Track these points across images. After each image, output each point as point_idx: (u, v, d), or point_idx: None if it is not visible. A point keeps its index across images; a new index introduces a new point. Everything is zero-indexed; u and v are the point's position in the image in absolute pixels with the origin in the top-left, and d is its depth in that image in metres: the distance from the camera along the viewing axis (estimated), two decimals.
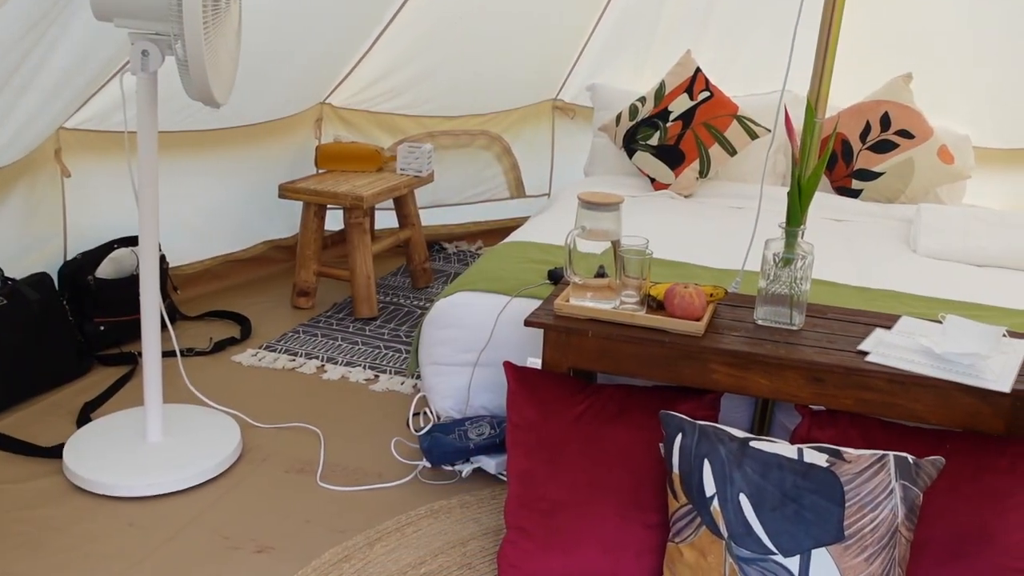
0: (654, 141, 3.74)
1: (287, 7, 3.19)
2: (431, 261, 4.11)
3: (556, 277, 2.57)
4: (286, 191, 3.50)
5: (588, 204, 2.04)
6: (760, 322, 2.10)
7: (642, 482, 1.95)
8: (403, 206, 3.82)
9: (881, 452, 1.74)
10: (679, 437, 1.83)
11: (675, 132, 3.72)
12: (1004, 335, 2.00)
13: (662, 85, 3.83)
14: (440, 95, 4.17)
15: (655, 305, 2.10)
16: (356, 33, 3.76)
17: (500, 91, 4.32)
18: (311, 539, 2.12)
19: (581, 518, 1.93)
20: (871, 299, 2.55)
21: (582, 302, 2.09)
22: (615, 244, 2.06)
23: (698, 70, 3.77)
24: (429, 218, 4.24)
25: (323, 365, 3.08)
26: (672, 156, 3.71)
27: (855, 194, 3.63)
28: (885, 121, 3.62)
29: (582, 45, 4.34)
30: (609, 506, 1.94)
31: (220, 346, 3.16)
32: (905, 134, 3.58)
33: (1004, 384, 1.83)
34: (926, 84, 3.66)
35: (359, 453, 2.52)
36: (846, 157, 3.65)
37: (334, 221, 3.83)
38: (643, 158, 3.77)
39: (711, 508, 1.76)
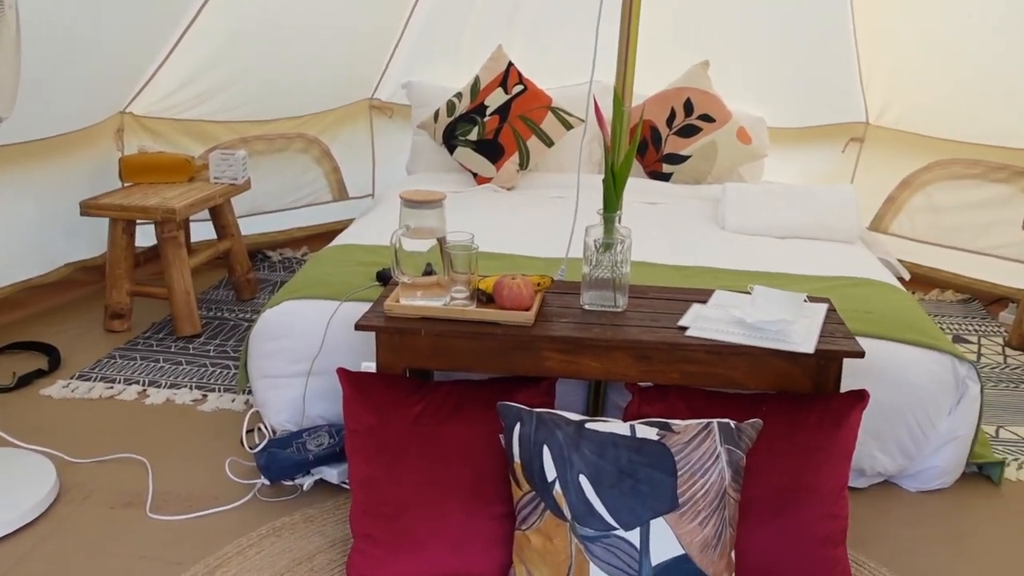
0: (473, 136, 3.78)
1: (66, 9, 2.96)
2: (255, 271, 3.97)
3: (385, 278, 2.55)
4: (89, 208, 3.28)
5: (411, 203, 2.03)
6: (587, 307, 2.17)
7: (484, 475, 1.96)
8: (220, 216, 3.66)
9: (706, 420, 1.84)
10: (517, 426, 1.86)
11: (493, 126, 3.77)
12: (805, 300, 2.16)
13: (477, 80, 3.86)
14: (252, 99, 4.02)
15: (485, 299, 2.12)
16: (151, 36, 3.56)
17: (314, 92, 4.22)
18: None
19: (427, 518, 1.93)
20: (687, 276, 2.69)
21: (412, 301, 2.08)
22: (441, 241, 2.06)
23: (510, 64, 3.84)
24: (249, 227, 4.09)
25: (145, 390, 2.91)
26: (492, 150, 3.75)
27: (666, 177, 3.81)
28: (688, 107, 3.81)
29: (394, 43, 4.31)
30: (454, 503, 1.94)
31: (25, 380, 2.92)
32: (707, 118, 3.79)
33: (808, 346, 1.97)
34: (722, 70, 3.89)
35: (191, 478, 2.39)
36: (655, 143, 3.82)
37: (145, 237, 3.61)
38: (464, 153, 3.80)
39: (553, 492, 1.80)
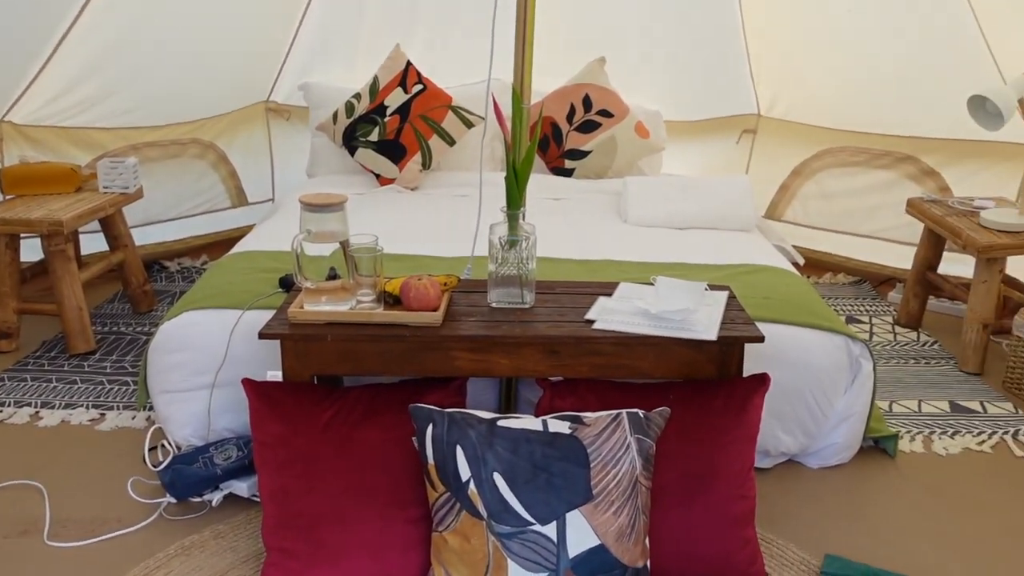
0: (374, 137, 3.74)
1: None
2: (152, 282, 3.83)
3: (288, 284, 2.49)
4: None
5: (311, 206, 1.99)
6: (494, 304, 2.17)
7: (399, 479, 1.95)
8: (112, 227, 3.52)
9: (615, 411, 1.87)
10: (430, 428, 1.85)
11: (394, 126, 3.73)
12: (706, 289, 2.21)
13: (375, 80, 3.82)
14: (141, 104, 3.88)
15: (392, 301, 2.10)
16: (28, 40, 3.39)
17: (207, 96, 4.10)
18: None
19: (343, 527, 1.90)
20: (593, 270, 2.72)
21: (317, 307, 2.05)
22: (344, 244, 2.03)
23: (409, 63, 3.81)
24: (144, 237, 3.95)
25: (37, 412, 2.77)
26: (393, 150, 3.72)
27: (569, 173, 3.85)
28: (587, 103, 3.86)
29: (289, 43, 4.22)
30: (370, 509, 1.92)
31: None
32: (605, 113, 3.85)
33: (711, 333, 2.03)
34: (618, 66, 3.96)
35: (93, 502, 2.30)
36: (556, 139, 3.85)
37: (31, 251, 3.44)
38: (365, 155, 3.76)
39: (468, 492, 1.80)
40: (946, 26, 3.52)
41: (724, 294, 2.26)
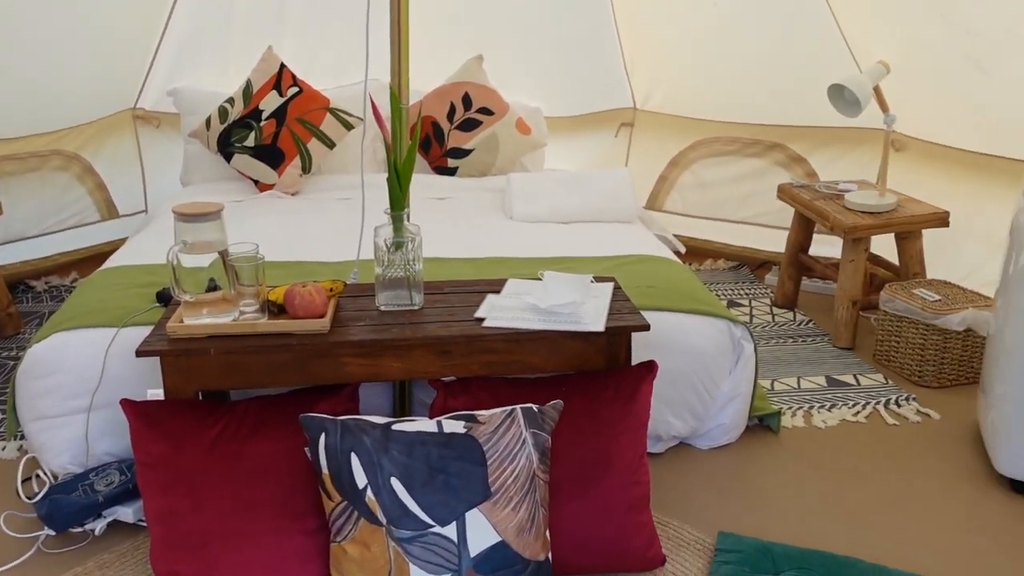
0: (250, 142, 3.63)
1: None
2: (17, 303, 3.62)
3: (166, 298, 2.40)
4: None
5: (185, 216, 1.92)
6: (383, 308, 2.14)
7: (293, 491, 1.90)
8: None
9: (509, 407, 1.88)
10: (323, 437, 1.81)
11: (270, 131, 3.64)
12: (592, 281, 2.25)
13: (249, 84, 3.72)
14: None
15: (276, 310, 2.05)
16: None
17: (67, 104, 3.89)
18: None
19: (236, 544, 1.84)
20: (480, 268, 2.72)
21: (198, 320, 1.97)
22: (223, 254, 1.96)
23: (283, 66, 3.72)
24: (6, 255, 3.72)
25: None
26: (271, 155, 3.63)
27: (452, 172, 3.84)
28: (467, 101, 3.86)
29: (154, 47, 4.05)
30: (263, 523, 1.87)
31: None
32: (486, 111, 3.86)
33: (599, 325, 2.06)
34: (496, 64, 3.97)
35: None
36: (438, 138, 3.84)
37: None
38: (242, 160, 3.65)
39: (366, 499, 1.78)
40: (805, 19, 3.68)
41: (609, 285, 2.31)
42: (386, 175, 2.12)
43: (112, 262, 2.81)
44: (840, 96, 3.20)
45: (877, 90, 3.17)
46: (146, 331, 2.29)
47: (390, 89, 2.22)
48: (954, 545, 2.13)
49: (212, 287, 1.94)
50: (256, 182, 3.66)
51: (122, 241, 4.05)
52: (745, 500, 2.34)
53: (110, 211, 4.20)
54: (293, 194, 3.61)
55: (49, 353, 2.29)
